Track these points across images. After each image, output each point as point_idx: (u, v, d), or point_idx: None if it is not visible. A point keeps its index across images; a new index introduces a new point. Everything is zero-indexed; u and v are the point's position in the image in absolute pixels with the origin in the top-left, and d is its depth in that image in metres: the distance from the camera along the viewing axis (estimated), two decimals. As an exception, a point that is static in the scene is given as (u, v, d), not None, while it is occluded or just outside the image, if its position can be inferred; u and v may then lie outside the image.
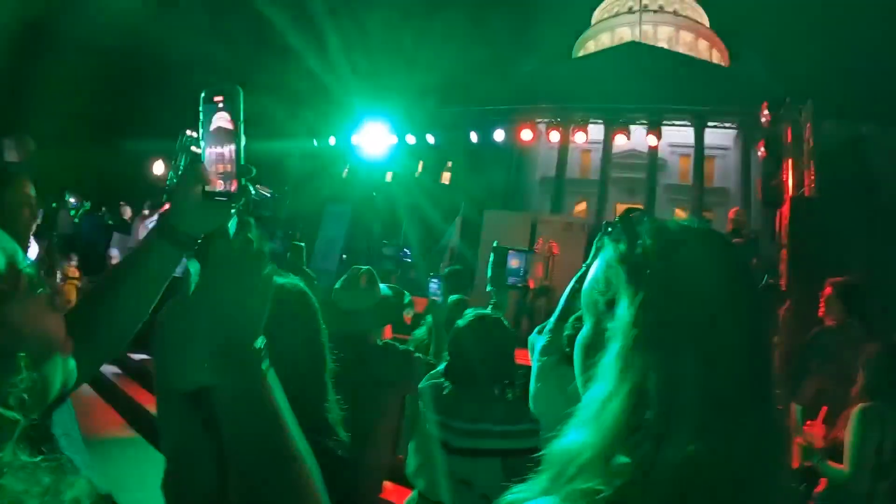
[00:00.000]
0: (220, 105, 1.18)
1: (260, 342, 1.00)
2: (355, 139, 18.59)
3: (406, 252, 17.25)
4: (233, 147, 1.17)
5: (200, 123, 1.20)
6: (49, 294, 0.99)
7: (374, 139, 18.02)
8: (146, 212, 13.32)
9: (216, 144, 1.19)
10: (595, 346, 0.97)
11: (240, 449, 0.98)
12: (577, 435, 0.89)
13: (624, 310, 0.92)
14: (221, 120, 1.18)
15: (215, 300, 0.98)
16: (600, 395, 0.89)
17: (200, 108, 1.19)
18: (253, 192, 1.17)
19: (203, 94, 1.19)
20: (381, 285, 3.92)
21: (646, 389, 0.85)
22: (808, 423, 3.87)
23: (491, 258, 5.60)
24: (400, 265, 15.40)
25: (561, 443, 0.90)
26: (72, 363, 1.02)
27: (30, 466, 0.84)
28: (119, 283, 1.40)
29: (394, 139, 18.14)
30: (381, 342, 3.77)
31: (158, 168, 20.65)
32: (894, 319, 6.91)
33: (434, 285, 10.19)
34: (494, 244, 5.73)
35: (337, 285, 3.79)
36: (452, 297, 5.65)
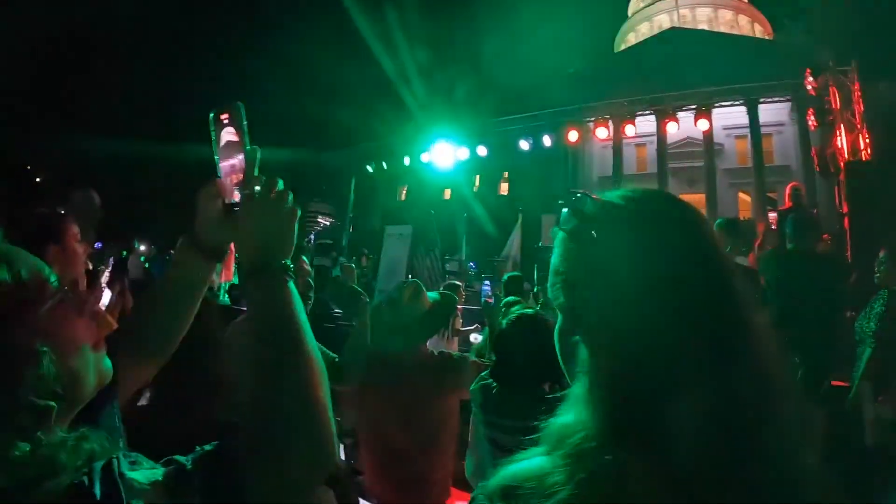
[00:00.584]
0: (226, 122, 1.31)
1: (286, 262, 1.23)
2: (408, 161, 18.83)
3: (473, 265, 17.38)
4: (242, 157, 1.30)
5: (213, 142, 1.33)
6: (75, 299, 1.11)
7: (439, 157, 18.19)
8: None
9: (228, 157, 1.32)
10: (566, 331, 1.01)
11: (262, 343, 1.16)
12: (570, 414, 0.95)
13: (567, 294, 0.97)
14: (228, 134, 1.31)
15: (248, 228, 1.24)
16: (580, 378, 0.96)
17: (211, 129, 1.33)
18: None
19: (211, 116, 1.33)
20: (431, 293, 3.92)
21: (602, 371, 0.91)
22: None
23: (536, 260, 5.46)
24: (466, 279, 15.58)
25: (556, 421, 0.97)
26: (107, 362, 1.16)
27: (67, 439, 0.98)
28: (158, 294, 1.56)
29: (452, 154, 18.25)
30: (436, 351, 3.78)
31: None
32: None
33: (486, 287, 10.24)
34: (539, 244, 5.57)
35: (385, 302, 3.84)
36: (507, 299, 5.58)
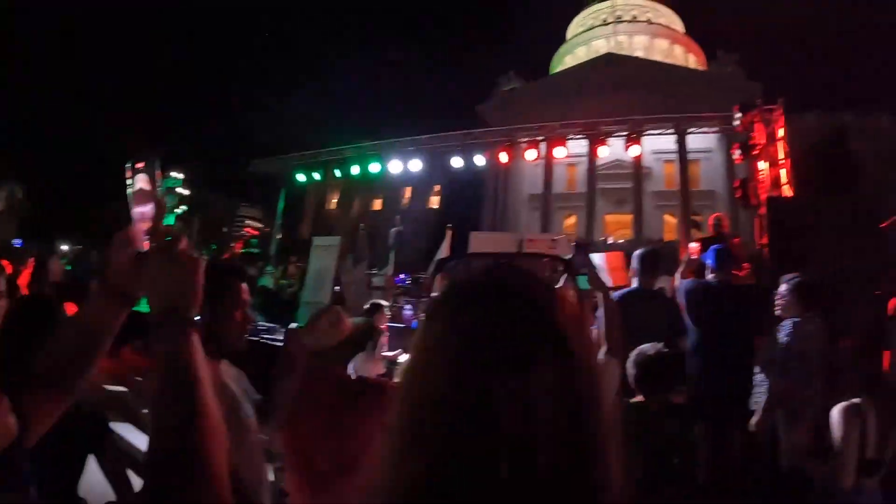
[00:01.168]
0: (141, 172, 1.34)
1: (190, 316, 1.22)
2: (340, 171, 18.76)
3: (402, 279, 17.27)
4: (153, 205, 1.32)
5: (129, 188, 1.35)
6: None
7: (362, 169, 18.19)
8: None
9: (140, 205, 1.33)
10: None
11: (160, 398, 1.13)
12: None
13: None
14: (141, 181, 1.34)
15: (153, 279, 1.23)
16: None
17: (127, 175, 1.35)
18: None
19: (128, 164, 1.34)
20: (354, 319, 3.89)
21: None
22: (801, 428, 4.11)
23: None
24: (393, 294, 15.44)
25: None
26: (9, 420, 1.17)
27: None
28: (67, 335, 1.52)
29: (376, 167, 18.29)
30: (354, 376, 3.77)
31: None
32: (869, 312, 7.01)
33: (408, 311, 10.17)
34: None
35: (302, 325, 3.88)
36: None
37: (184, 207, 37.73)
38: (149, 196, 1.33)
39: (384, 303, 7.87)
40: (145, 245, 1.32)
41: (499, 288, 0.92)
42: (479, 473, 0.78)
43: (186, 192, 42.62)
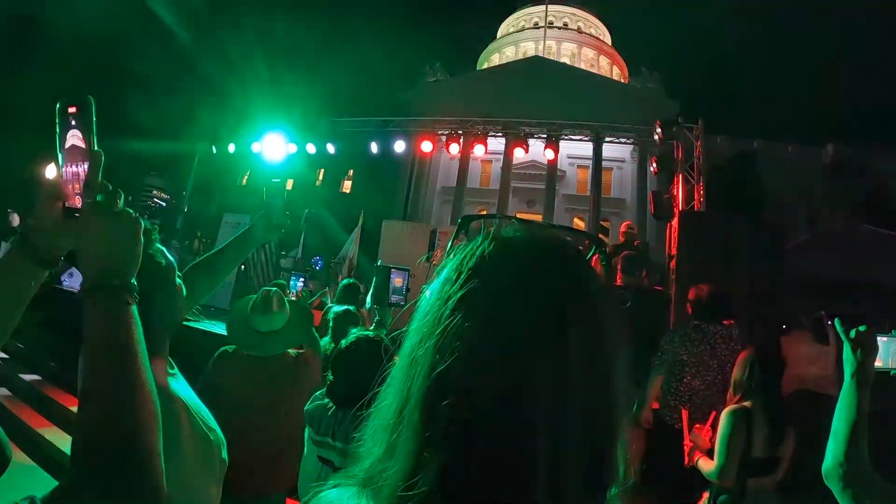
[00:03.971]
0: (73, 120, 1.17)
1: (130, 281, 1.13)
2: (256, 147, 18.22)
3: (318, 261, 17.01)
4: (87, 159, 1.16)
5: (57, 136, 1.17)
6: None
7: (275, 148, 17.74)
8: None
9: (72, 162, 1.17)
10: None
11: (91, 369, 1.03)
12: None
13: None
14: (74, 138, 1.17)
15: (89, 239, 1.13)
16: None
17: (56, 120, 1.17)
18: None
19: (58, 106, 1.17)
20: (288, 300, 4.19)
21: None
22: (697, 426, 4.17)
23: (374, 277, 5.65)
24: (308, 276, 15.15)
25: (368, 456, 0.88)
26: None
27: None
28: None
29: (293, 148, 17.87)
30: (294, 353, 4.11)
31: (52, 171, 19.86)
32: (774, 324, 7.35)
33: (296, 283, 10.11)
34: (378, 263, 5.80)
35: (248, 309, 4.04)
36: (335, 308, 5.52)
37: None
38: (83, 152, 1.17)
39: (284, 282, 7.74)
40: (76, 202, 1.16)
41: (542, 248, 0.86)
42: (509, 446, 0.72)
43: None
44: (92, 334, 1.07)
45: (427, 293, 0.86)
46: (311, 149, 17.92)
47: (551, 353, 0.74)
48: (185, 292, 1.82)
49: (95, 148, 1.17)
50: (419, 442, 0.76)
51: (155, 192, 41.28)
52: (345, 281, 7.13)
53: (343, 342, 3.22)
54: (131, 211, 1.16)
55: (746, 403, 3.75)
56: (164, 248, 1.75)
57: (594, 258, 5.81)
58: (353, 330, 3.33)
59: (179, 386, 1.77)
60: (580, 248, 0.92)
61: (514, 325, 0.75)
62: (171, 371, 1.80)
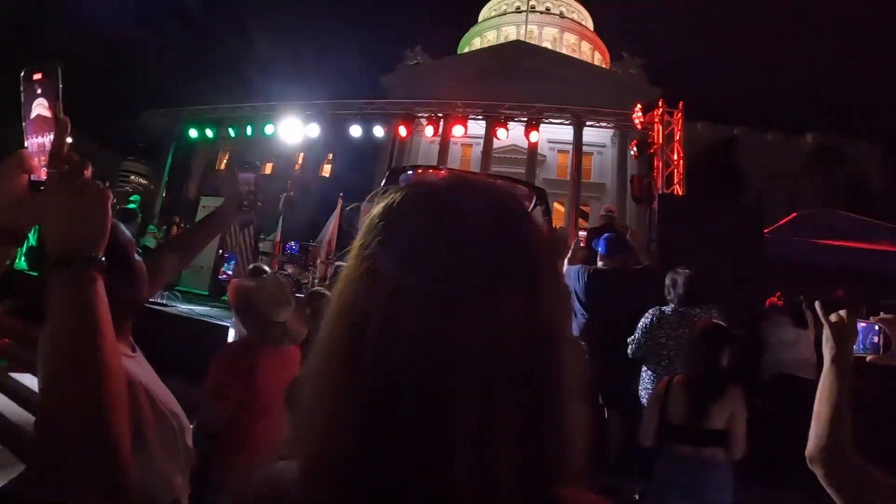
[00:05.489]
0: (39, 89, 1.12)
1: (97, 255, 1.06)
2: (246, 130, 18.19)
3: (291, 246, 16.90)
4: (53, 130, 1.10)
5: (22, 105, 1.13)
6: None
7: (258, 131, 17.71)
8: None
9: (37, 133, 1.13)
10: None
11: (54, 347, 0.99)
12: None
13: None
14: (40, 107, 1.13)
15: (54, 211, 1.06)
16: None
17: (21, 88, 1.13)
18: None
19: (23, 73, 1.13)
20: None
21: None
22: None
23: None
24: (279, 261, 15.06)
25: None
26: None
27: None
28: None
29: (270, 129, 17.80)
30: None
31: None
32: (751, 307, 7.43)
33: (229, 266, 10.03)
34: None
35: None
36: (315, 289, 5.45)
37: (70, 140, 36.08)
38: (49, 122, 1.11)
39: (266, 268, 7.64)
40: (42, 174, 1.11)
41: (464, 197, 0.76)
42: (431, 421, 0.66)
43: (69, 139, 40.50)
44: (56, 312, 1.01)
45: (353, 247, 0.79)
46: (290, 131, 17.81)
47: (472, 309, 0.68)
48: (145, 269, 1.76)
49: (62, 115, 1.11)
50: (338, 401, 0.71)
51: (133, 176, 40.98)
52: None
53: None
54: (99, 182, 1.10)
55: (678, 376, 4.11)
56: (119, 223, 1.66)
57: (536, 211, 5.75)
58: None
59: (141, 369, 1.70)
60: (519, 198, 0.82)
61: (426, 279, 0.69)
62: (132, 353, 1.73)
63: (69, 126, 1.11)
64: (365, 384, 0.69)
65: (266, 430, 3.32)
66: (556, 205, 44.43)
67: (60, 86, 1.12)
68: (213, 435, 3.25)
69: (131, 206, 14.98)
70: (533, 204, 5.52)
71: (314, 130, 17.82)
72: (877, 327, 2.00)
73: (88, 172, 1.09)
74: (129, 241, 1.72)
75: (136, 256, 1.76)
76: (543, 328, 0.72)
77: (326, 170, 45.67)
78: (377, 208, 0.79)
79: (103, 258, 1.08)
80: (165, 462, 1.63)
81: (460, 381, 0.66)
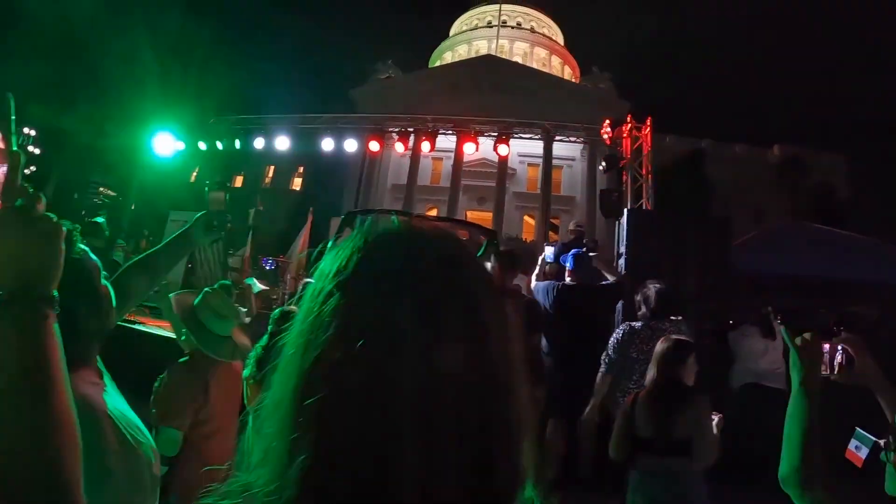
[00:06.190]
0: None
1: (50, 293, 1.02)
2: (202, 144, 17.92)
3: (266, 261, 16.75)
4: (5, 167, 1.07)
5: None
6: None
7: (220, 143, 17.50)
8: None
9: None
10: None
11: (4, 391, 0.94)
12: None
13: None
14: None
15: (4, 246, 1.01)
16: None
17: None
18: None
19: None
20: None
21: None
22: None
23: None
24: (257, 276, 14.90)
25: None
26: None
27: None
28: None
29: (238, 144, 17.65)
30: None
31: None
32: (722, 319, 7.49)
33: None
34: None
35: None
36: (278, 309, 5.37)
37: (33, 168, 35.35)
38: (1, 153, 1.10)
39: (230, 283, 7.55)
40: None
41: (418, 242, 0.80)
42: (372, 461, 0.67)
43: (38, 151, 39.91)
44: (5, 353, 0.97)
45: (306, 290, 0.81)
46: (259, 144, 17.68)
47: (422, 352, 0.69)
48: (112, 295, 1.69)
49: (14, 148, 1.09)
50: (288, 443, 0.72)
51: (101, 188, 40.53)
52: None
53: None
54: (52, 215, 1.07)
55: (642, 390, 4.21)
56: (87, 249, 1.62)
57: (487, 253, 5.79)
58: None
59: (108, 397, 1.66)
60: (468, 242, 0.84)
61: (380, 324, 0.71)
62: (98, 381, 1.69)
63: (21, 159, 1.08)
64: (317, 423, 0.70)
65: (221, 448, 3.27)
66: (526, 217, 44.71)
67: (13, 117, 1.11)
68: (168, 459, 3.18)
69: (99, 219, 14.74)
70: (483, 249, 5.57)
71: (283, 143, 17.69)
72: (840, 348, 2.06)
73: (41, 206, 1.06)
74: (94, 268, 1.67)
75: (103, 282, 1.71)
76: (489, 377, 0.73)
77: (297, 183, 45.44)
78: (336, 250, 0.80)
79: (56, 294, 1.04)
80: (131, 493, 1.59)
81: (401, 426, 0.67)
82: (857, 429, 2.23)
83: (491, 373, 0.74)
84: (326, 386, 0.70)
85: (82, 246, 1.57)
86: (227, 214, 2.44)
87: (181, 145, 17.53)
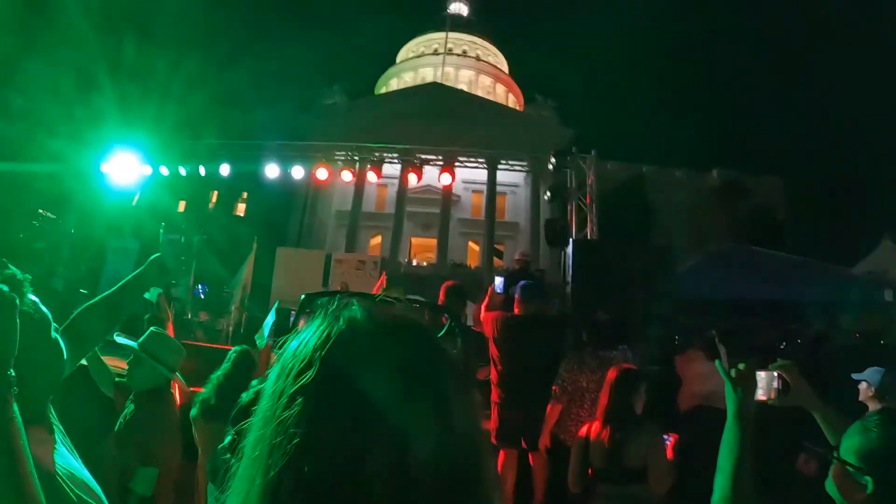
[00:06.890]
0: None
1: (7, 373, 1.00)
2: (144, 169, 17.53)
3: (201, 289, 16.42)
4: None
5: None
6: None
7: (163, 168, 17.15)
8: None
9: None
10: None
11: None
12: None
13: None
14: None
15: None
16: None
17: None
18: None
19: None
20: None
21: None
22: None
23: (271, 318, 5.54)
24: (192, 306, 14.56)
25: None
26: None
27: None
28: None
29: (183, 171, 17.31)
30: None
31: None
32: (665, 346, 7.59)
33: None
34: (276, 305, 5.71)
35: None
36: (236, 348, 5.18)
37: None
38: None
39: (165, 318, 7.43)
40: None
41: (384, 332, 0.80)
42: None
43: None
44: None
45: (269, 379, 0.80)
46: (202, 171, 17.39)
47: (397, 438, 0.70)
48: (64, 347, 1.59)
49: None
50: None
51: (40, 210, 39.48)
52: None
53: (244, 396, 2.87)
54: (4, 288, 1.04)
55: (595, 421, 4.24)
56: (36, 300, 1.52)
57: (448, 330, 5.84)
58: (254, 383, 3.04)
59: (58, 455, 1.59)
60: (429, 322, 0.92)
61: (346, 436, 0.70)
62: (48, 437, 1.62)
63: None
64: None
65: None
66: (470, 243, 44.89)
67: None
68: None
69: (39, 245, 14.25)
70: (445, 329, 5.60)
71: (226, 170, 17.44)
72: (776, 374, 2.11)
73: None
74: (45, 321, 1.59)
75: (53, 335, 1.63)
76: (459, 471, 0.73)
77: (241, 209, 44.83)
78: (293, 352, 0.78)
79: (12, 374, 1.01)
80: None
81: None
82: (805, 443, 2.30)
83: (461, 466, 0.74)
84: (305, 483, 0.68)
85: (32, 297, 1.49)
86: (181, 258, 2.45)
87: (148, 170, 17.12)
